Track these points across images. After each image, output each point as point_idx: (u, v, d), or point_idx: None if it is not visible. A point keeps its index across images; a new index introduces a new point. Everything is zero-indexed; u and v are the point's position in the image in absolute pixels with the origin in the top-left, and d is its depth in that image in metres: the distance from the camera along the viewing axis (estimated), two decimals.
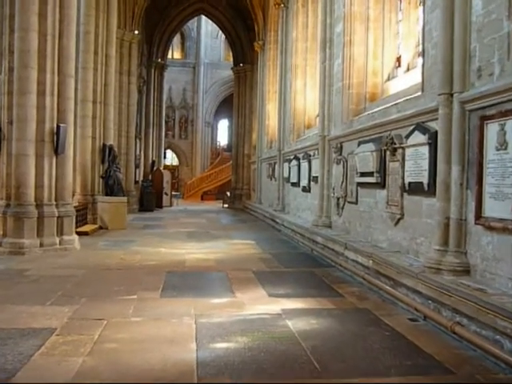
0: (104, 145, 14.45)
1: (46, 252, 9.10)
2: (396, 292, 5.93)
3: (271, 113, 18.68)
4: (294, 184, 13.71)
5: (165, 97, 28.95)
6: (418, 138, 6.25)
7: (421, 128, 6.23)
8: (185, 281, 7.10)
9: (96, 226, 13.32)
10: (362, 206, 8.38)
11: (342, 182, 9.29)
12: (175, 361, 3.97)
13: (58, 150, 9.34)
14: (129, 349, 4.23)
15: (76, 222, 11.00)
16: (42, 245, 9.16)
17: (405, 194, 6.76)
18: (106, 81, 14.62)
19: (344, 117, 9.32)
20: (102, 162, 14.40)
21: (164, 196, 23.82)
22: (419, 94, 6.47)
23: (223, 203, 26.09)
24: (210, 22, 29.44)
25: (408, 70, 8.00)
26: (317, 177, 10.82)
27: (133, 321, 5.06)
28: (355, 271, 7.33)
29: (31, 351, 4.05)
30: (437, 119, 5.66)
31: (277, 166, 16.09)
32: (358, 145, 8.42)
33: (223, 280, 7.20)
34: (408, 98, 6.88)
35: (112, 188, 14.20)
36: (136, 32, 19.46)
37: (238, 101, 24.65)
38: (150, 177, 23.94)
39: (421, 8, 7.15)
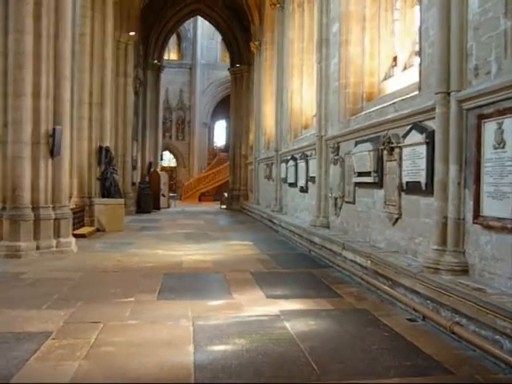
0: (100, 147, 14.39)
1: (42, 255, 9.04)
2: (394, 292, 5.90)
3: (268, 113, 18.65)
4: (291, 184, 13.68)
5: (161, 98, 28.86)
6: (416, 137, 6.23)
7: (418, 127, 6.20)
8: (182, 283, 7.06)
9: (93, 228, 13.27)
10: (360, 205, 8.36)
11: (340, 182, 9.27)
12: (172, 364, 3.93)
13: (53, 152, 9.29)
14: (125, 352, 4.19)
15: (73, 225, 10.95)
16: (38, 248, 9.11)
17: (402, 194, 6.74)
18: (102, 82, 14.57)
19: (341, 116, 9.29)
20: (99, 163, 14.34)
21: (161, 197, 23.77)
22: (416, 93, 6.44)
23: (221, 204, 26.05)
24: (206, 22, 29.39)
25: (405, 69, 7.98)
26: (314, 177, 10.80)
27: (129, 324, 5.02)
28: (353, 271, 7.31)
29: (26, 355, 4.00)
30: (434, 118, 5.63)
31: (274, 167, 16.06)
32: (355, 144, 8.39)
33: (221, 281, 7.17)
34: (405, 97, 6.86)
35: (109, 190, 14.16)
36: (132, 33, 19.41)
37: (235, 101, 24.63)
38: (147, 178, 23.87)
39: (417, 7, 7.14)
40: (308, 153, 11.92)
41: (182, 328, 4.87)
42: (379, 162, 7.43)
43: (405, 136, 6.55)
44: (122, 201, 14.35)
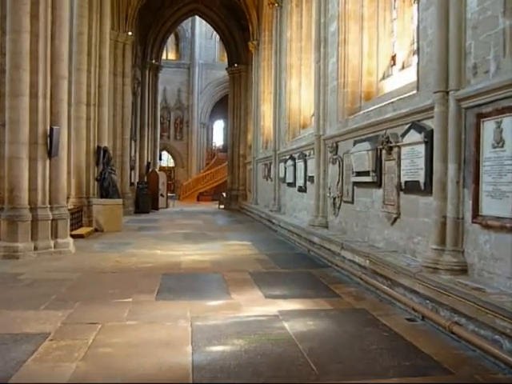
0: (98, 147, 14.36)
1: (40, 255, 9.01)
2: (393, 292, 5.89)
3: (266, 113, 18.64)
4: (289, 184, 13.67)
5: (159, 98, 28.88)
6: (414, 136, 6.22)
7: (416, 126, 6.19)
8: (180, 283, 7.04)
9: (91, 228, 13.24)
10: (359, 205, 8.35)
11: (338, 182, 9.25)
12: (170, 364, 3.92)
13: (51, 152, 9.26)
14: (123, 353, 4.17)
15: (71, 225, 10.94)
16: (36, 248, 9.08)
17: (401, 193, 6.73)
18: (100, 82, 14.53)
19: (339, 116, 9.28)
20: (97, 164, 14.31)
21: (160, 197, 23.73)
22: (414, 92, 6.43)
23: (219, 204, 26.02)
24: (204, 22, 29.39)
25: (403, 68, 7.97)
26: (313, 177, 10.78)
27: (128, 324, 5.00)
28: (352, 271, 7.29)
29: (24, 357, 3.98)
30: (432, 117, 5.62)
31: (272, 167, 16.04)
32: (354, 144, 8.38)
33: (219, 282, 7.15)
34: (403, 96, 6.85)
35: (107, 190, 14.13)
36: (130, 33, 19.39)
37: (233, 101, 24.60)
38: (145, 178, 23.85)
39: (415, 6, 7.13)
40: (306, 152, 11.90)
41: (181, 328, 4.85)
42: (378, 161, 7.42)
43: (403, 135, 6.54)
44: (120, 201, 14.32)
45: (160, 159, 29.25)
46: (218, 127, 40.18)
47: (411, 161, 6.34)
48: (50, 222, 9.35)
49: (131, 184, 20.77)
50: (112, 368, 3.86)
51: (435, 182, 5.51)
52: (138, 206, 20.94)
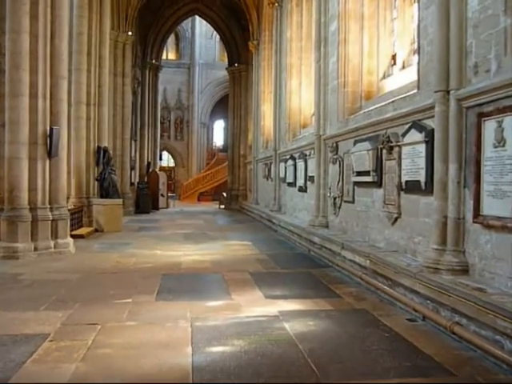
0: (98, 147, 14.35)
1: (40, 256, 8.99)
2: (394, 292, 5.87)
3: (267, 113, 18.61)
4: (290, 184, 13.65)
5: (160, 98, 28.86)
6: (415, 136, 6.20)
7: (417, 126, 6.17)
8: (180, 283, 7.02)
9: (91, 228, 13.22)
10: (359, 205, 8.32)
11: (339, 182, 9.23)
12: (170, 365, 3.90)
13: (51, 152, 9.24)
14: (123, 354, 4.15)
15: (71, 225, 10.93)
16: (36, 249, 9.06)
17: (402, 193, 6.70)
18: (100, 82, 14.52)
19: (340, 116, 9.26)
20: (97, 164, 14.29)
21: (160, 197, 23.73)
22: (415, 91, 6.41)
23: (220, 204, 26.00)
24: (204, 22, 29.37)
25: (403, 67, 7.94)
26: (313, 176, 10.77)
27: (127, 325, 4.98)
28: (353, 271, 7.27)
29: (23, 358, 3.96)
30: (433, 117, 5.60)
31: (273, 166, 16.03)
32: (354, 144, 8.36)
33: (219, 282, 7.13)
34: (404, 95, 6.82)
35: (107, 190, 14.11)
36: (130, 33, 19.37)
37: (234, 101, 24.58)
38: (145, 178, 23.84)
39: (416, 5, 7.10)
40: (307, 152, 11.88)
41: (181, 329, 4.83)
42: (378, 161, 7.40)
43: (404, 135, 6.52)
44: (120, 201, 14.30)
45: (160, 159, 29.25)
46: (219, 127, 40.15)
47: (412, 160, 6.32)
48: (49, 222, 9.33)
49: (131, 184, 20.75)
50: (112, 369, 3.84)
51: (436, 181, 5.49)
52: (138, 206, 20.93)
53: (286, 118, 14.64)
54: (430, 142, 5.80)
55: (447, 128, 5.31)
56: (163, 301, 5.99)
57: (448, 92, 5.31)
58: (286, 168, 14.15)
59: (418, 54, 6.39)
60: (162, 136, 31.55)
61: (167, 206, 24.74)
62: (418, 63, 6.36)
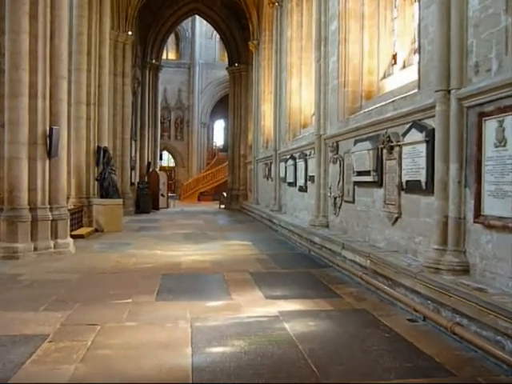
0: (99, 147, 14.33)
1: (40, 256, 8.98)
2: (394, 292, 5.85)
3: (267, 113, 18.59)
4: (290, 184, 13.64)
5: (160, 98, 28.85)
6: (415, 135, 6.18)
7: (418, 126, 6.15)
8: (181, 283, 7.01)
9: (91, 228, 13.21)
10: (359, 205, 8.31)
11: (339, 181, 9.22)
12: (170, 366, 3.89)
13: (51, 152, 9.23)
14: (123, 355, 4.14)
15: (71, 225, 10.91)
16: (36, 249, 9.05)
17: (402, 193, 6.69)
18: (100, 82, 14.51)
19: (340, 115, 9.24)
20: (97, 164, 14.28)
21: (160, 197, 23.71)
22: (416, 91, 6.39)
23: (220, 204, 25.99)
24: (204, 22, 29.35)
25: (404, 67, 7.93)
26: (313, 176, 10.75)
27: (127, 325, 4.97)
28: (353, 271, 7.26)
29: (22, 359, 3.95)
30: (434, 116, 5.58)
31: (273, 166, 16.01)
32: (355, 143, 8.34)
33: (220, 282, 7.12)
34: (404, 95, 6.81)
35: (107, 190, 14.10)
36: (130, 33, 19.35)
37: (234, 101, 24.56)
38: (146, 178, 23.83)
39: (416, 4, 7.09)
40: (307, 152, 11.87)
41: (181, 329, 4.82)
42: (379, 160, 7.38)
43: (404, 134, 6.50)
44: (120, 201, 14.29)
45: (160, 159, 29.24)
46: (219, 127, 40.12)
47: (412, 160, 6.30)
48: (49, 222, 9.32)
49: (131, 184, 20.74)
50: (111, 370, 3.83)
51: (437, 181, 5.47)
52: (138, 206, 20.92)
53: (286, 118, 14.63)
54: (430, 141, 5.78)
55: (448, 128, 5.30)
56: (163, 301, 5.97)
57: (449, 91, 5.29)
58: (286, 168, 14.13)
59: (419, 53, 6.37)
60: (162, 136, 31.54)
61: (167, 206, 24.73)
62: (419, 62, 6.35)
